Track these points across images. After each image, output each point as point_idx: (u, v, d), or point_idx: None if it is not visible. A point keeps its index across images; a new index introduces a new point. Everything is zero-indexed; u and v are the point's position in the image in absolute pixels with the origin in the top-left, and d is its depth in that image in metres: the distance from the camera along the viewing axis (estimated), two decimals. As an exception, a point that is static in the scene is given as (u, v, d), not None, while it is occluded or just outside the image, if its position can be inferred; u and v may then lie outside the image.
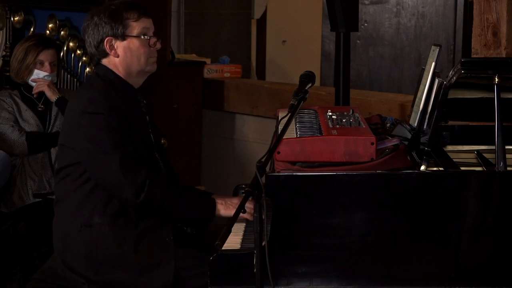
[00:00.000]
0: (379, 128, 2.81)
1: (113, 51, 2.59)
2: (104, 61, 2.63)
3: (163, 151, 2.81)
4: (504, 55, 3.25)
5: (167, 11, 4.76)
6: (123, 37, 2.58)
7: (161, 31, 2.72)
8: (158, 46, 2.65)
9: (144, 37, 2.60)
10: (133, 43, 2.59)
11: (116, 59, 2.60)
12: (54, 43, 3.97)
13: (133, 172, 2.48)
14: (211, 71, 5.08)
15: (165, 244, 2.55)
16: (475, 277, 2.29)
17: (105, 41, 2.58)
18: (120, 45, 2.59)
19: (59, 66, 3.96)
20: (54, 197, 3.57)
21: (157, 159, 2.70)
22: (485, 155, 2.61)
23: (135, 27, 2.60)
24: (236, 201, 2.57)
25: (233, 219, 2.07)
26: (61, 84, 4.22)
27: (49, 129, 3.88)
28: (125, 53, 2.59)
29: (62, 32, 4.36)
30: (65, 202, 2.62)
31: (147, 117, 2.71)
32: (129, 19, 2.59)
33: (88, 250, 2.53)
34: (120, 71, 2.62)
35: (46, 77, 3.84)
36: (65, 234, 2.60)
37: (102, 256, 2.52)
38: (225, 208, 2.55)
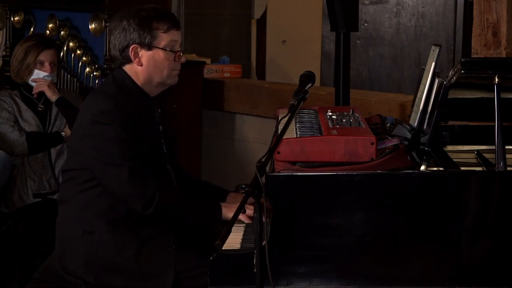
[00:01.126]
0: (379, 128, 2.81)
1: (137, 59, 2.54)
2: (126, 67, 2.58)
3: (175, 160, 2.78)
4: (504, 55, 3.25)
5: (167, 11, 4.76)
6: (149, 47, 2.53)
7: (161, 31, 2.71)
8: (183, 60, 2.61)
9: (170, 50, 2.56)
10: (159, 54, 2.54)
11: (139, 68, 2.56)
12: (54, 43, 3.97)
13: (142, 185, 2.46)
14: (211, 71, 5.08)
15: (167, 253, 2.54)
16: (475, 277, 2.29)
17: (131, 48, 2.53)
18: (145, 54, 2.54)
19: (59, 66, 3.96)
20: (54, 197, 3.59)
21: (168, 170, 2.67)
22: (485, 155, 2.61)
23: (163, 38, 2.54)
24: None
25: (233, 219, 2.07)
26: (61, 84, 4.22)
27: (49, 129, 3.88)
28: (148, 63, 2.54)
29: (62, 32, 4.36)
30: (68, 203, 2.60)
31: (161, 127, 2.69)
32: (158, 29, 2.53)
33: (89, 256, 2.52)
34: (139, 79, 2.57)
35: (46, 77, 3.84)
36: (67, 236, 2.59)
37: (102, 263, 2.51)
38: (229, 211, 2.55)
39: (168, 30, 2.56)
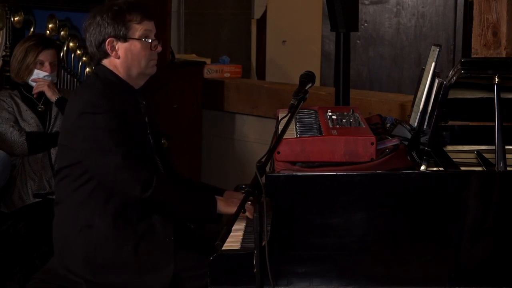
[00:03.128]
0: (379, 128, 2.81)
1: (114, 52, 2.59)
2: (105, 62, 2.63)
3: (163, 152, 2.80)
4: (504, 55, 3.25)
5: (167, 11, 4.77)
6: (125, 39, 2.58)
7: (161, 31, 2.71)
8: (159, 49, 2.64)
9: (145, 40, 2.60)
10: (135, 45, 2.59)
11: (117, 60, 2.60)
12: (54, 43, 3.97)
13: (137, 168, 2.49)
14: (211, 71, 5.08)
15: (165, 245, 2.55)
16: (475, 277, 2.29)
17: (107, 41, 2.58)
18: (121, 47, 2.59)
19: (59, 66, 3.96)
20: (54, 197, 3.58)
21: (155, 160, 2.69)
22: (485, 155, 2.61)
23: (138, 29, 2.59)
24: (237, 198, 2.58)
25: (233, 219, 2.07)
26: (61, 84, 4.22)
27: (49, 129, 3.88)
28: (126, 55, 2.59)
29: (62, 32, 4.35)
30: (65, 203, 2.62)
31: (146, 118, 2.71)
32: (131, 21, 2.59)
33: (88, 251, 2.53)
34: (120, 72, 2.61)
35: (46, 77, 3.84)
36: (64, 235, 2.60)
37: (101, 258, 2.52)
38: (226, 205, 2.55)
39: (141, 21, 2.60)
